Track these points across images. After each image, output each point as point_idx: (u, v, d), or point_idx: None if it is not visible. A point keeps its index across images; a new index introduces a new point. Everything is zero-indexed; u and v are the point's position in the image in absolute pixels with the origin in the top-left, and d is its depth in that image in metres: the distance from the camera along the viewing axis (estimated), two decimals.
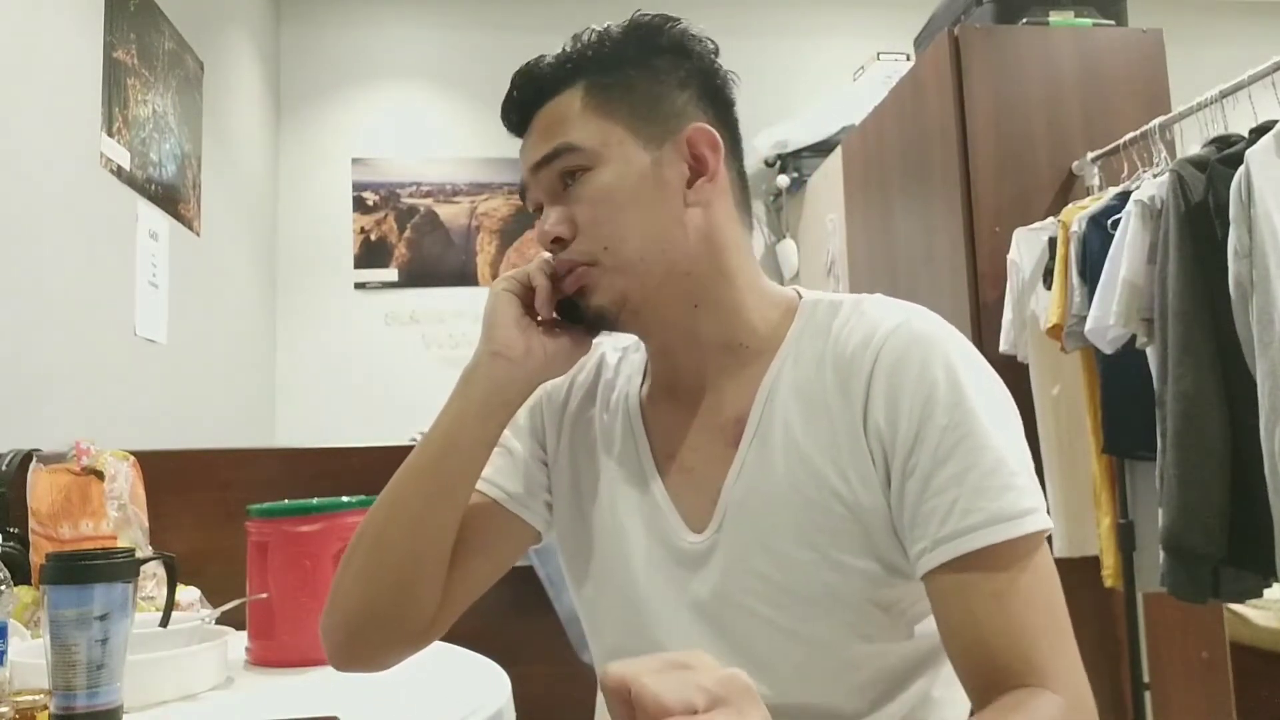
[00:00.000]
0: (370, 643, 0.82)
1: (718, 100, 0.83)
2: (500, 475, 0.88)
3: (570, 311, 0.83)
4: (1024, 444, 0.73)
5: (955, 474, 0.69)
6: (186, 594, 1.50)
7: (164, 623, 1.12)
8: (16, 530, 1.50)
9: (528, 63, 0.83)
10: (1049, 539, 0.72)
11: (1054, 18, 2.33)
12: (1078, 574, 1.99)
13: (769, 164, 3.82)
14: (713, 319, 0.81)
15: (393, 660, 0.84)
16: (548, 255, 0.82)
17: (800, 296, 0.84)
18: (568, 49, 0.82)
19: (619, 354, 0.93)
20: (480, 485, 0.86)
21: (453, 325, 3.89)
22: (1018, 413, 0.75)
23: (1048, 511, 0.71)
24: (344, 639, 0.82)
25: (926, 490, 0.70)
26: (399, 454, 0.86)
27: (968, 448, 0.69)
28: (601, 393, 0.90)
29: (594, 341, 0.87)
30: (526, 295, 0.83)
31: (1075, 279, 1.91)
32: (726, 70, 0.84)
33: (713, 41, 0.84)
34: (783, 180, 3.79)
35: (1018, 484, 0.69)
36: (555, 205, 0.80)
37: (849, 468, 0.73)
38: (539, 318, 0.83)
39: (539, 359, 0.82)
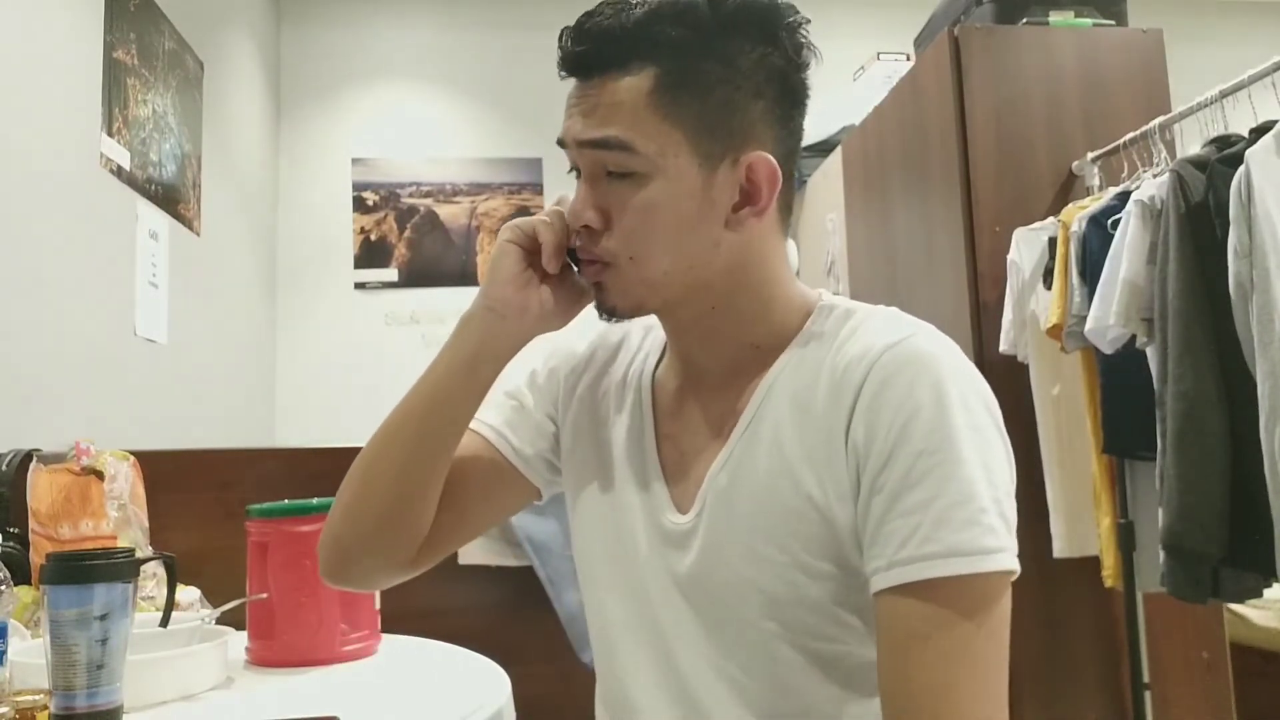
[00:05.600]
0: (358, 566, 0.86)
1: (790, 113, 0.78)
2: (509, 428, 0.90)
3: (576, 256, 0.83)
4: (1005, 479, 0.70)
5: (922, 500, 0.68)
6: (186, 594, 1.51)
7: (164, 623, 1.12)
8: (16, 530, 1.50)
9: (605, 8, 0.75)
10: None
11: (1054, 18, 2.32)
12: (1078, 574, 1.99)
13: None
14: (729, 321, 0.81)
15: (381, 583, 0.89)
16: (559, 209, 0.81)
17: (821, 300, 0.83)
18: (649, 7, 0.74)
19: (644, 332, 0.93)
20: (487, 433, 0.89)
21: (453, 325, 3.86)
22: (1008, 447, 0.72)
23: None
24: (333, 560, 0.86)
25: (891, 511, 0.69)
26: None
27: (940, 476, 0.68)
28: (619, 367, 0.91)
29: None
30: (532, 245, 0.82)
31: (1075, 279, 1.91)
32: (808, 72, 0.78)
33: (807, 37, 0.76)
34: None
35: (984, 521, 0.67)
36: (592, 188, 0.78)
37: (826, 476, 0.73)
38: (544, 270, 0.82)
39: (534, 315, 0.82)
